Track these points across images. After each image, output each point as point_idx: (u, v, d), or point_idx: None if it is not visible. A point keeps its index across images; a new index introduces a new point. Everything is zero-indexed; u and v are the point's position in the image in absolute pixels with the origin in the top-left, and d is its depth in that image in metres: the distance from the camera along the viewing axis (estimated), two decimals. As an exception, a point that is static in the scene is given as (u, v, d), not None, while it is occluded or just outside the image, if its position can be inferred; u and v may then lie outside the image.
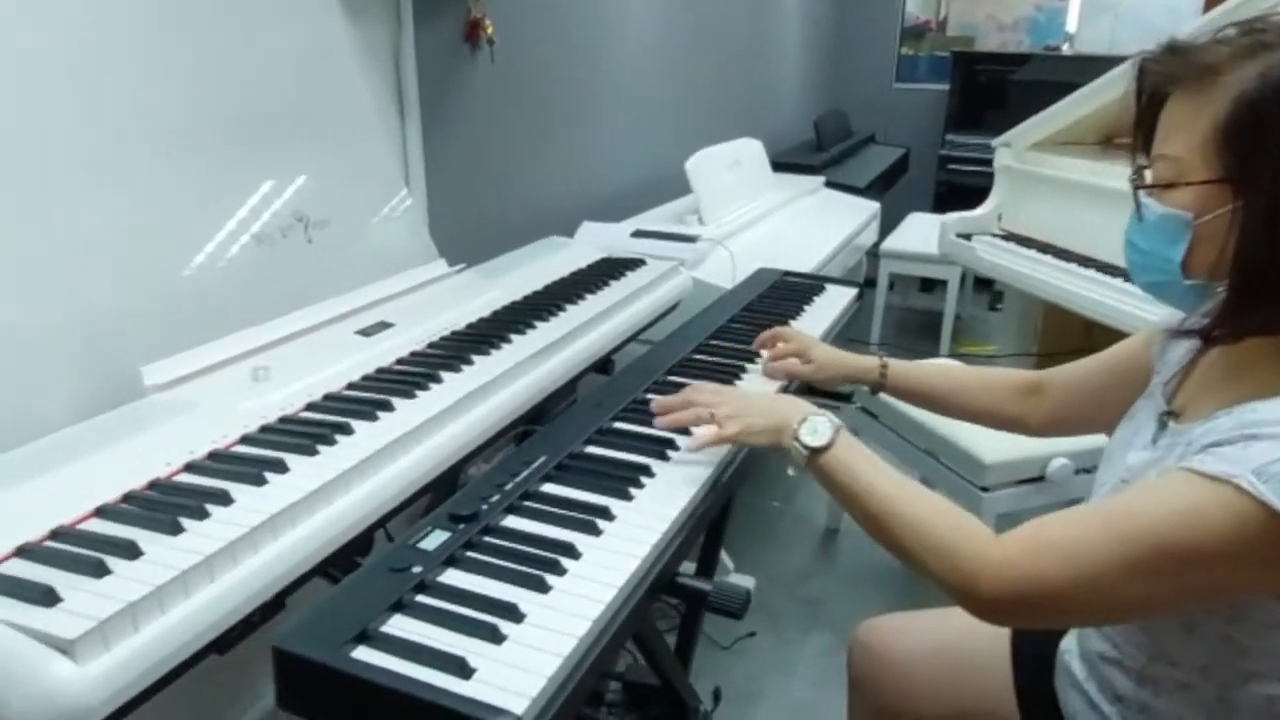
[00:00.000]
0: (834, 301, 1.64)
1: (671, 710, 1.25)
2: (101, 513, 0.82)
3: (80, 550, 0.75)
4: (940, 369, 1.25)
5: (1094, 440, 1.97)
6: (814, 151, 3.82)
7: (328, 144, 1.41)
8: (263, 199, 1.25)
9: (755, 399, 1.03)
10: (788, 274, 1.77)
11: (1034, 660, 1.09)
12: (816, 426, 0.93)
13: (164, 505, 0.82)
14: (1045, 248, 2.57)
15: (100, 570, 0.72)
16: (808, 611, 2.18)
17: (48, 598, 0.69)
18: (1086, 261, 2.40)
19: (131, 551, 0.75)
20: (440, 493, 1.41)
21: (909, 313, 4.51)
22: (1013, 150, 2.76)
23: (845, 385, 1.31)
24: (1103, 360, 1.08)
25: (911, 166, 4.75)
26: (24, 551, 0.75)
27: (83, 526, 0.79)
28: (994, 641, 1.14)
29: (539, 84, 2.24)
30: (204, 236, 1.16)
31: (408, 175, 1.70)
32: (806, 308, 1.59)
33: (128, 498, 0.84)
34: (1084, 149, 2.73)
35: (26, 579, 0.71)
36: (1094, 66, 2.60)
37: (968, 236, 2.80)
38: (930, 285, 4.68)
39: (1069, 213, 2.56)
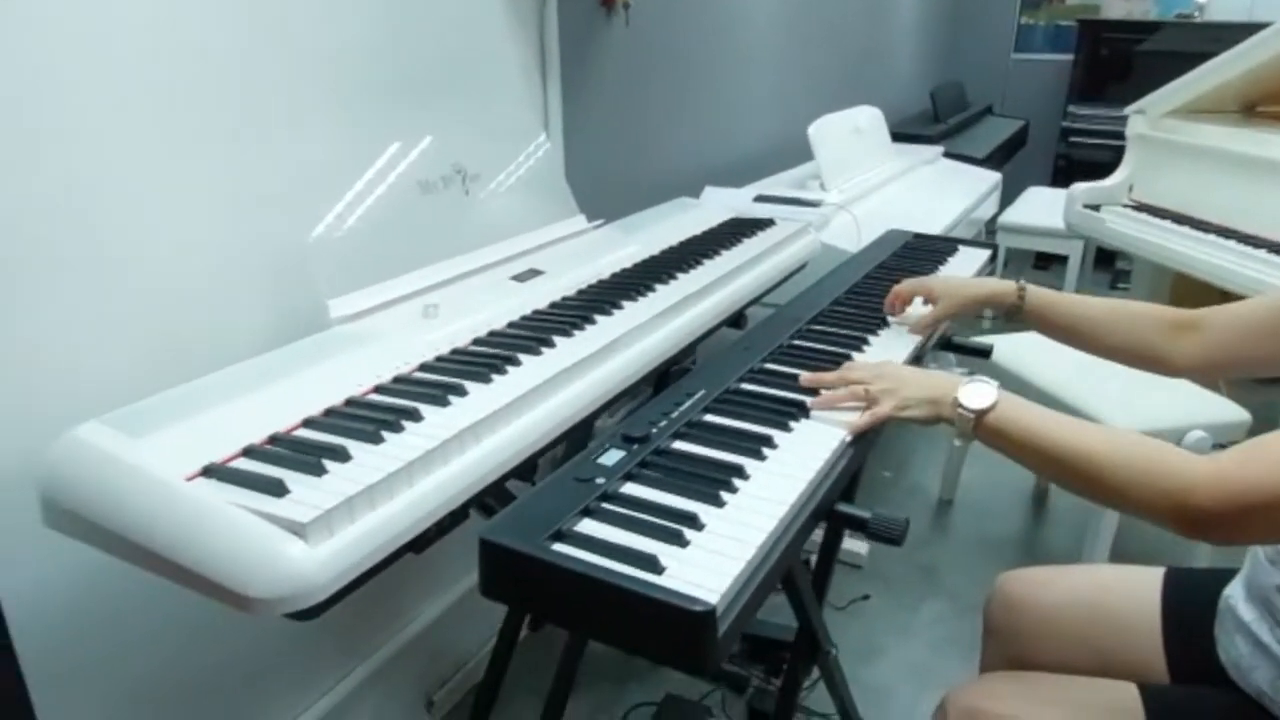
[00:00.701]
0: (968, 263, 1.63)
1: (804, 652, 1.28)
2: (309, 423, 0.90)
3: (297, 453, 0.83)
4: (1084, 298, 1.22)
5: (1232, 414, 1.91)
6: (930, 122, 3.74)
7: (480, 103, 1.48)
8: (426, 151, 1.32)
9: (908, 374, 1.03)
10: (919, 235, 1.76)
11: (1187, 613, 1.08)
12: (976, 390, 0.94)
13: (363, 419, 0.90)
14: (1180, 219, 2.48)
15: (319, 470, 0.80)
16: (923, 578, 2.18)
17: (278, 489, 0.76)
18: (1226, 233, 2.30)
19: (343, 455, 0.82)
20: (571, 444, 1.47)
21: (1024, 290, 4.38)
22: (1147, 118, 2.66)
23: (984, 317, 1.30)
24: (1276, 300, 1.05)
25: (1030, 139, 4.60)
26: (250, 452, 0.84)
27: (296, 434, 0.88)
28: (1142, 595, 1.14)
29: (669, 49, 2.27)
30: (376, 183, 1.24)
31: (548, 133, 1.76)
32: (940, 269, 1.58)
33: (329, 412, 0.92)
34: (1224, 117, 2.61)
35: (258, 473, 0.79)
36: (1230, 34, 2.48)
37: (1096, 208, 2.71)
38: (1045, 262, 4.54)
39: (1207, 182, 2.45)
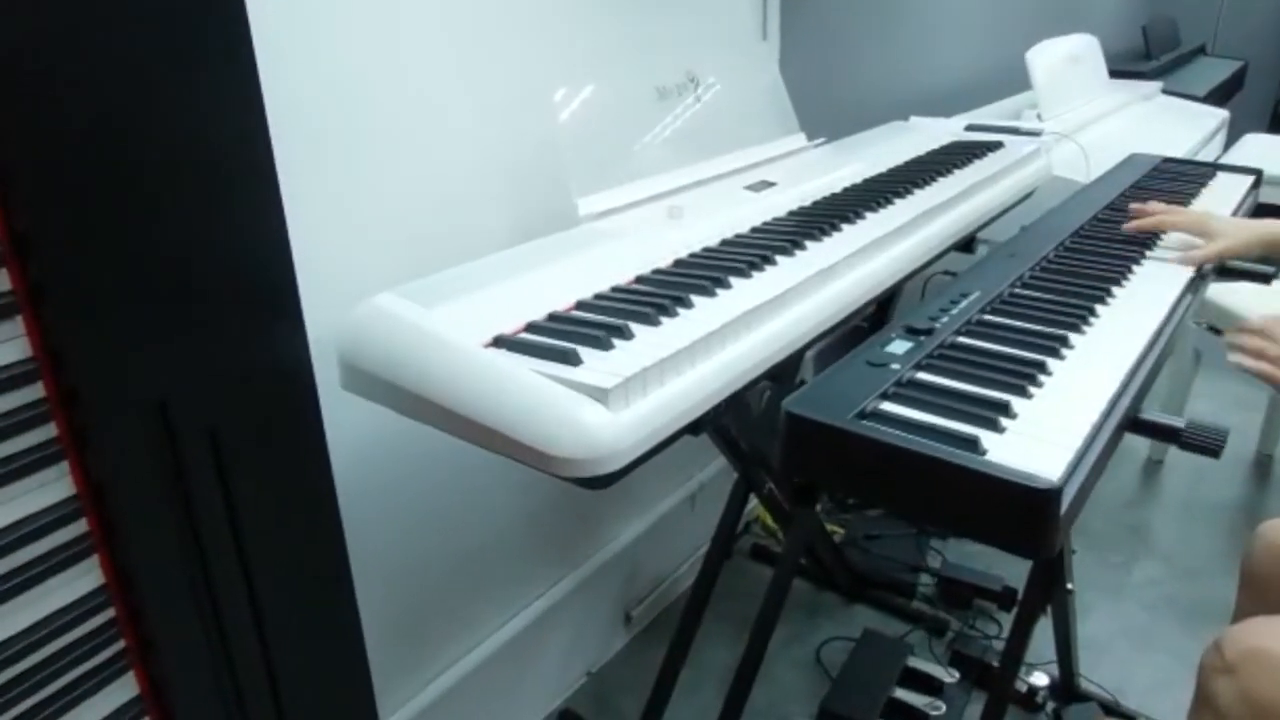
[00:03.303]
0: (1229, 189, 1.48)
1: (1042, 586, 1.21)
2: (582, 305, 0.90)
3: (581, 329, 0.83)
4: None
5: None
6: (1141, 59, 3.45)
7: (709, 15, 1.45)
8: (664, 58, 1.30)
9: None
10: (1168, 159, 1.62)
11: None
12: None
13: (636, 302, 0.89)
14: None
15: (606, 344, 0.80)
16: (1132, 537, 2.04)
17: (573, 359, 0.77)
18: None
19: (627, 333, 0.82)
20: (783, 379, 1.44)
21: (1231, 248, 4.02)
22: None
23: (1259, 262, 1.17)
24: None
25: (1245, 83, 4.18)
26: (533, 327, 0.84)
27: (572, 313, 0.88)
28: None
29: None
30: (621, 87, 1.23)
31: (766, 45, 1.71)
32: (1201, 191, 1.45)
33: (599, 296, 0.92)
34: None
35: (550, 343, 0.79)
36: None
37: (1347, 147, 2.43)
38: (1261, 215, 4.14)
39: None
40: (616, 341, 0.81)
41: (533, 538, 1.44)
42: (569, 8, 1.28)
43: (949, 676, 1.52)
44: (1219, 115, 2.79)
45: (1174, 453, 2.36)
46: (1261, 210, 3.89)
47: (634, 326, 0.84)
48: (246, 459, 0.66)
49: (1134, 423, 0.81)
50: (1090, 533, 2.03)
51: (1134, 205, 1.24)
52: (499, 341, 0.81)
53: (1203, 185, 1.47)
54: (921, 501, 0.66)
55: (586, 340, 0.81)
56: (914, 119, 2.13)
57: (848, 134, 1.77)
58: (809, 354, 1.64)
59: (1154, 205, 1.24)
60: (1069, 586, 1.22)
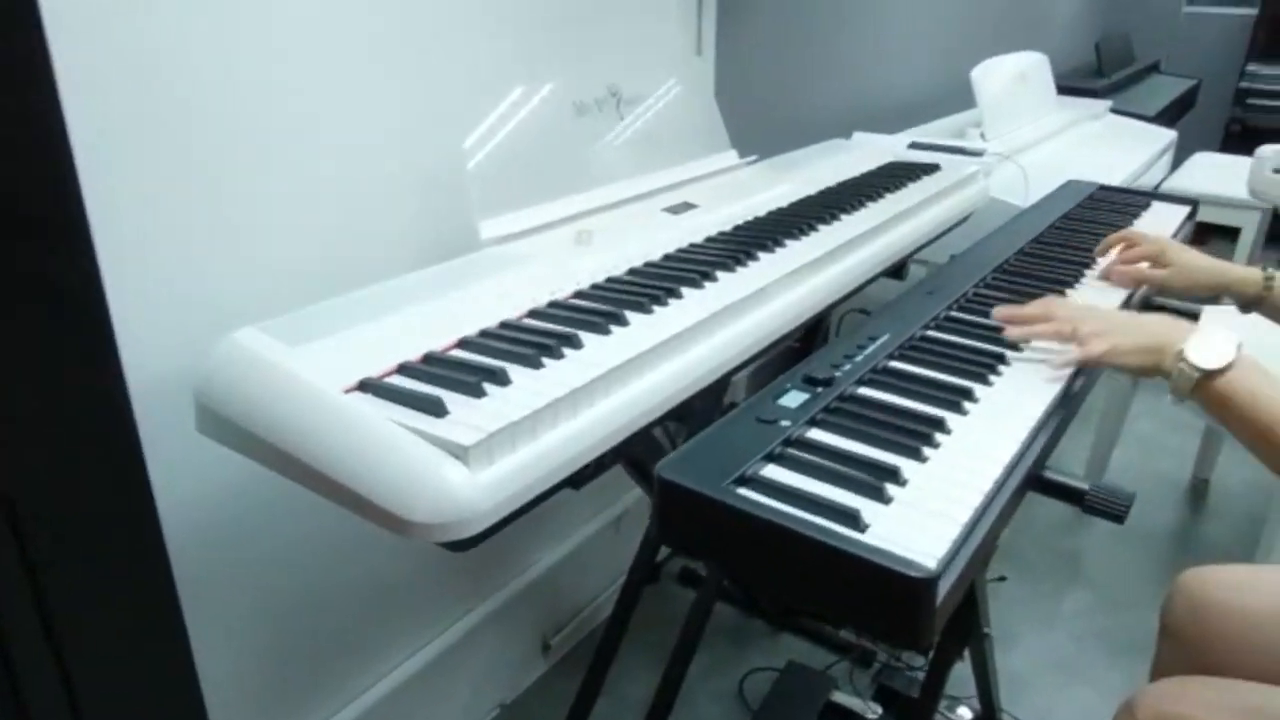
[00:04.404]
0: (1163, 220, 1.46)
1: (960, 630, 1.17)
2: (464, 344, 0.84)
3: (455, 373, 0.77)
4: None
5: None
6: (1093, 76, 3.45)
7: (636, 26, 1.39)
8: (582, 73, 1.24)
9: (1124, 316, 0.91)
10: (1104, 187, 1.59)
11: None
12: (1209, 344, 0.81)
13: (521, 342, 0.83)
14: (1394, 188, 2.19)
15: (479, 391, 0.74)
16: (1065, 565, 2.02)
17: (438, 408, 0.71)
18: None
19: (503, 379, 0.76)
20: (708, 400, 1.39)
21: (1178, 265, 4.05)
22: (1361, 73, 2.36)
23: (1204, 302, 1.15)
24: None
25: (1198, 101, 4.21)
26: (404, 369, 0.78)
27: (451, 353, 0.82)
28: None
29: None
30: (531, 102, 1.17)
31: (702, 62, 1.66)
32: (1133, 222, 1.42)
33: (484, 334, 0.86)
34: None
35: (417, 390, 0.73)
36: None
37: (1288, 172, 2.44)
38: (1203, 235, 4.18)
39: None
40: (490, 388, 0.75)
41: (441, 567, 1.38)
42: (481, 18, 1.22)
43: (871, 712, 1.48)
44: (1166, 136, 2.80)
45: (1110, 477, 2.35)
46: (1204, 230, 3.94)
47: (513, 370, 0.78)
48: (54, 529, 0.59)
49: (1037, 482, 0.77)
50: (1022, 560, 2.02)
51: (1109, 238, 1.20)
52: (364, 385, 0.75)
53: (1136, 215, 1.44)
54: (793, 582, 0.61)
55: (458, 386, 0.75)
56: (858, 135, 2.10)
57: (790, 150, 1.72)
58: (741, 377, 1.60)
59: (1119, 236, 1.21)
60: (985, 630, 1.18)
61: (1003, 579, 1.96)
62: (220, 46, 0.93)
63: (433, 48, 1.15)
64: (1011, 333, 0.92)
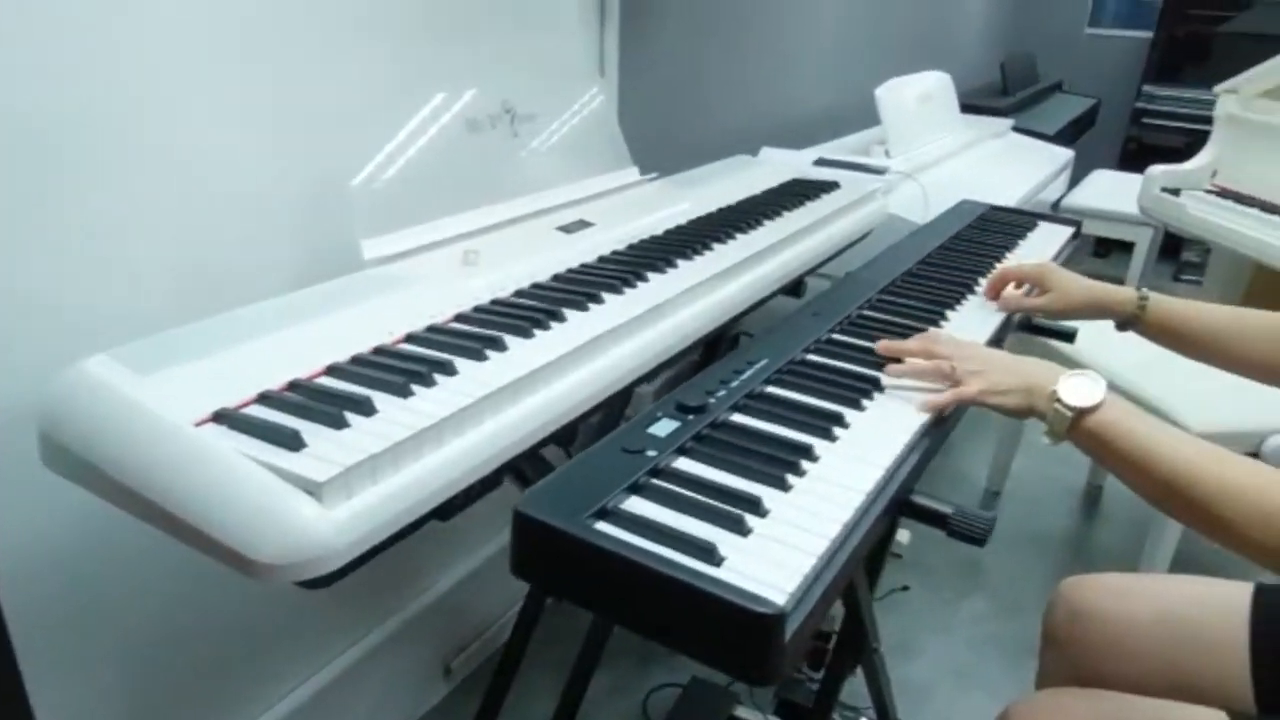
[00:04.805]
0: (1048, 240, 1.51)
1: (850, 648, 1.19)
2: (333, 371, 0.81)
3: (318, 403, 0.74)
4: (1209, 306, 1.10)
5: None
6: (998, 95, 3.56)
7: (533, 40, 1.38)
8: (475, 88, 1.22)
9: (1001, 356, 0.93)
10: (995, 208, 1.64)
11: (1279, 637, 0.98)
12: (1080, 386, 0.84)
13: (392, 369, 0.81)
14: (1269, 207, 2.31)
15: (340, 422, 0.72)
16: (965, 573, 2.08)
17: (294, 441, 0.68)
18: (1321, 224, 2.15)
19: (368, 408, 0.74)
20: (609, 412, 1.39)
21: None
22: (1240, 98, 2.48)
23: (1079, 321, 1.18)
24: None
25: (1098, 120, 4.39)
26: (266, 398, 0.76)
27: (318, 381, 0.80)
28: (1229, 614, 1.03)
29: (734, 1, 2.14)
30: (421, 119, 1.15)
31: (604, 78, 1.65)
32: (1019, 243, 1.46)
33: (356, 360, 0.84)
34: (1324, 101, 2.43)
35: (274, 422, 0.71)
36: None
37: (1175, 192, 2.55)
38: (1105, 250, 4.36)
39: (1303, 170, 2.29)
40: (354, 418, 0.73)
41: (330, 594, 1.33)
42: (367, 27, 1.19)
43: (770, 727, 1.49)
44: (1064, 155, 2.90)
45: (1012, 483, 2.43)
46: (1105, 244, 4.09)
47: (380, 399, 0.76)
48: None
49: (903, 507, 0.78)
50: (926, 569, 2.06)
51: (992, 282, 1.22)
52: (219, 417, 0.72)
53: (1022, 236, 1.49)
54: (648, 618, 0.60)
55: (320, 416, 0.72)
56: (765, 151, 2.13)
57: (697, 167, 1.73)
58: (648, 389, 1.59)
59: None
60: (875, 646, 1.20)
61: (905, 589, 2.00)
62: (73, 42, 0.89)
63: (315, 56, 1.12)
64: (892, 370, 0.92)
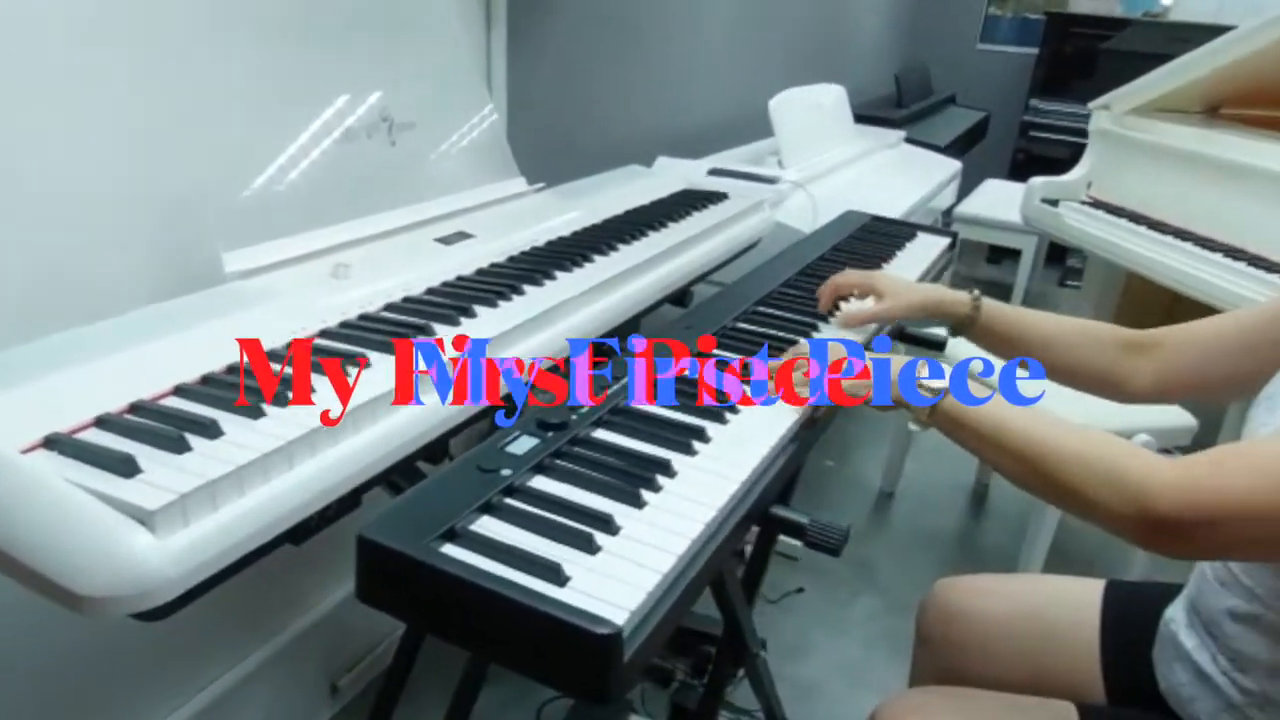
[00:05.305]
0: (926, 250, 1.56)
1: (730, 653, 1.21)
2: (181, 391, 0.79)
3: (160, 425, 0.72)
4: (1037, 314, 1.14)
5: (1179, 419, 1.88)
6: (893, 107, 3.68)
7: (415, 46, 1.35)
8: (350, 95, 1.20)
9: (867, 356, 0.95)
10: (877, 218, 1.69)
11: (1126, 631, 1.03)
12: (935, 370, 0.87)
13: (245, 389, 0.79)
14: (1137, 218, 2.44)
15: (181, 446, 0.69)
16: (859, 573, 2.13)
17: (128, 467, 0.66)
18: (1183, 234, 2.27)
19: (213, 431, 0.72)
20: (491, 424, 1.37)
21: (975, 283, 4.33)
22: (1111, 114, 2.62)
23: (933, 326, 1.22)
24: (1243, 318, 0.98)
25: (990, 131, 4.57)
26: (103, 422, 0.72)
27: (163, 403, 0.77)
28: (1081, 610, 1.08)
29: (625, 6, 2.15)
30: (290, 127, 1.12)
31: (490, 86, 1.64)
32: (897, 253, 1.51)
33: (206, 380, 0.81)
34: (1188, 117, 2.58)
35: (107, 448, 0.68)
36: (1196, 36, 2.44)
37: (1054, 202, 2.67)
38: (998, 256, 4.53)
39: (1167, 183, 2.42)
40: (197, 441, 0.70)
41: (211, 611, 1.29)
42: (236, 29, 1.15)
43: (663, 733, 1.50)
44: (952, 166, 3.01)
45: (905, 483, 2.50)
46: (998, 251, 4.25)
47: (227, 421, 0.73)
48: None
49: (763, 518, 0.79)
50: (820, 570, 2.10)
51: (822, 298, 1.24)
52: (51, 442, 0.69)
53: (900, 246, 1.54)
54: (493, 641, 0.60)
55: (160, 440, 0.70)
56: (662, 160, 2.14)
57: (591, 176, 1.73)
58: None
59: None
60: (755, 652, 1.22)
61: (800, 590, 2.04)
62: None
63: (174, 55, 1.07)
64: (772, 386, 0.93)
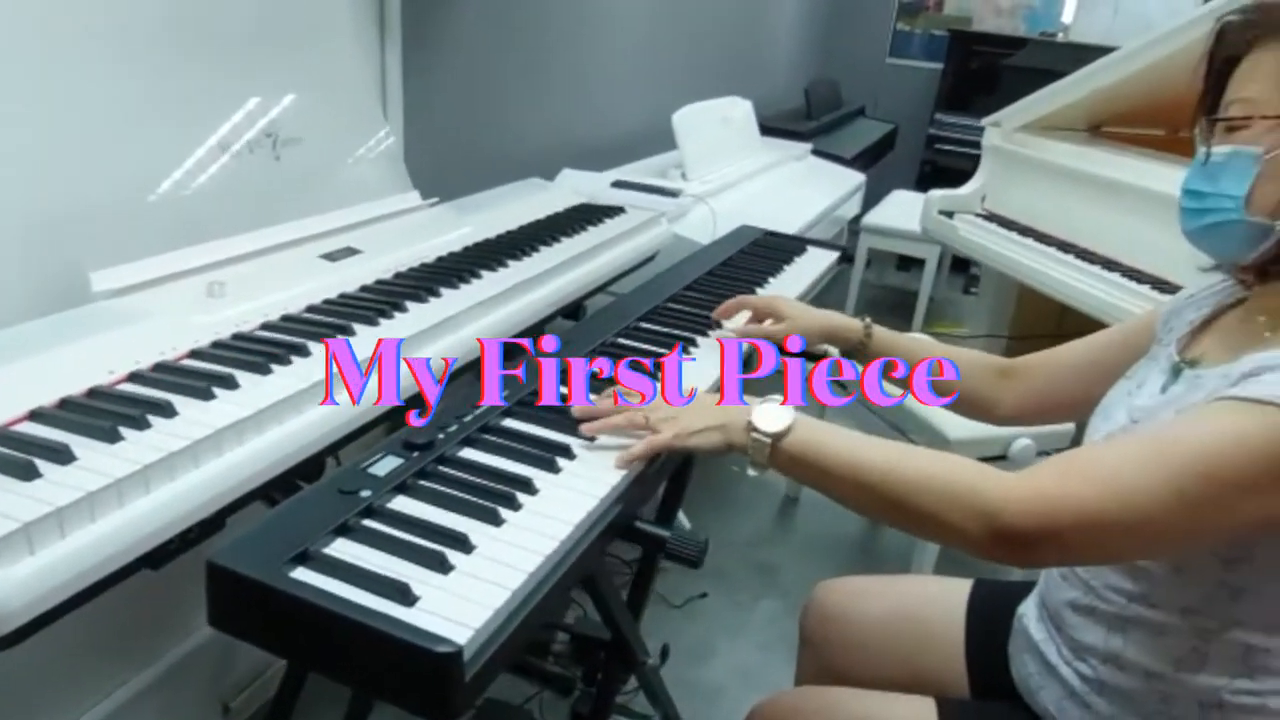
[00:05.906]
0: (815, 263, 1.62)
1: (618, 662, 1.24)
2: (36, 416, 0.78)
3: (10, 452, 0.71)
4: (920, 341, 1.21)
5: (1061, 425, 1.98)
6: (802, 119, 3.77)
7: (302, 58, 1.34)
8: (230, 109, 1.19)
9: (698, 400, 0.93)
10: (770, 233, 1.74)
11: (987, 627, 1.09)
12: (771, 412, 0.86)
13: (103, 413, 0.78)
14: (1026, 231, 2.56)
15: (29, 473, 0.69)
16: (761, 577, 2.18)
17: (-32, 496, 0.65)
18: (1066, 247, 2.39)
19: (64, 456, 0.71)
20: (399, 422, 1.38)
21: (884, 290, 4.51)
22: (1001, 130, 2.74)
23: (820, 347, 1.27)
24: (1093, 342, 1.05)
25: (898, 143, 4.72)
26: (-51, 449, 0.71)
27: (16, 429, 0.76)
28: (950, 609, 1.14)
29: (529, 18, 2.17)
30: (166, 142, 1.11)
31: (384, 99, 1.64)
32: (786, 267, 1.56)
33: (64, 403, 0.80)
34: (1072, 135, 2.72)
35: (-51, 476, 0.67)
36: (1089, 55, 2.56)
37: (950, 214, 2.78)
38: (907, 264, 4.67)
39: (1052, 197, 2.55)
40: (48, 468, 0.70)
41: (85, 636, 1.26)
42: (107, 39, 1.12)
43: (561, 743, 1.52)
44: (856, 179, 3.11)
45: (809, 489, 2.56)
46: (906, 260, 4.36)
47: (81, 446, 0.73)
48: None
49: (625, 531, 0.82)
50: (722, 574, 2.15)
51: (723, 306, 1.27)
52: (-111, 472, 0.68)
53: (789, 261, 1.59)
54: (338, 664, 0.61)
55: (9, 468, 0.69)
56: (565, 173, 2.16)
57: (489, 188, 1.74)
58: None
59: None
60: (643, 659, 1.24)
61: (704, 595, 2.08)
62: None
63: (50, 71, 1.05)
64: (586, 429, 0.89)
